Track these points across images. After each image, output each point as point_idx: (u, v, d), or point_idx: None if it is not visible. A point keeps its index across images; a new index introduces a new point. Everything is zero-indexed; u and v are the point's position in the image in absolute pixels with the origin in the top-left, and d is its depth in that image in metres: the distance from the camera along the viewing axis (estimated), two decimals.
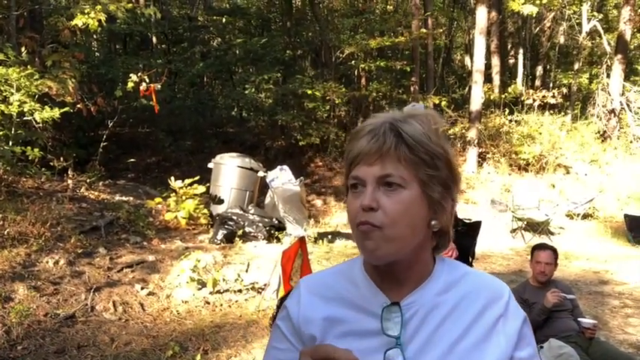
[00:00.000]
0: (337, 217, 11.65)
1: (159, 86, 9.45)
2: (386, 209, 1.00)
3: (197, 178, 8.10)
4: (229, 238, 7.11)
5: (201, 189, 8.05)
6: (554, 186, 13.14)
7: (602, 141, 15.30)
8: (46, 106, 7.62)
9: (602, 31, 17.83)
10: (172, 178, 8.08)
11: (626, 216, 10.34)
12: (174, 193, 7.93)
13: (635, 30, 19.21)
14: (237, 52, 15.50)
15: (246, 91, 14.35)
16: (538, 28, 20.12)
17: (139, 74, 9.14)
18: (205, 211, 8.08)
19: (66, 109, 7.82)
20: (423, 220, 1.03)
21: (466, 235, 4.81)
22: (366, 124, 1.06)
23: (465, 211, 10.73)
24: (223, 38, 16.92)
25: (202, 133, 14.60)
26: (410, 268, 1.07)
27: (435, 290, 1.07)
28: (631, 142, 15.58)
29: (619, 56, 15.67)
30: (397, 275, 1.07)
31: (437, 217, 1.05)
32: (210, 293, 5.21)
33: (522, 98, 16.23)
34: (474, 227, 5.00)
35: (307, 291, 1.15)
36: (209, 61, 15.61)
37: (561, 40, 21.17)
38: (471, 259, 5.04)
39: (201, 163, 10.62)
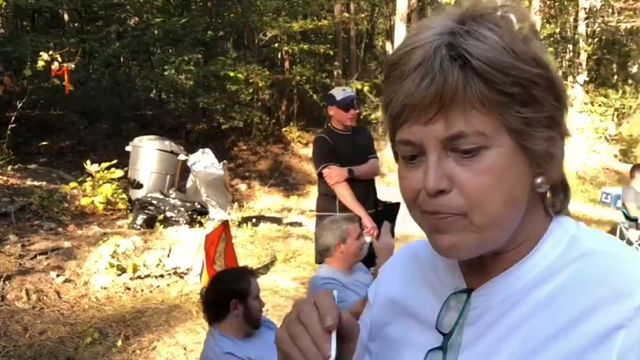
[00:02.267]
0: (262, 201, 11.64)
1: (72, 66, 8.99)
2: (465, 186, 0.65)
3: (114, 162, 7.82)
4: (149, 223, 6.94)
5: (119, 173, 7.79)
6: None
7: None
8: None
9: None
10: (88, 162, 7.77)
11: None
12: (90, 178, 7.63)
13: (545, 20, 20.27)
14: (156, 32, 15.00)
15: (166, 73, 13.93)
16: None
17: (51, 53, 8.67)
18: (124, 195, 7.84)
19: None
20: (524, 185, 0.68)
21: (386, 216, 4.92)
22: (411, 47, 0.65)
23: (386, 193, 11.00)
24: (141, 17, 16.31)
25: (119, 116, 14.08)
26: (506, 250, 0.71)
27: (530, 276, 0.70)
28: None
29: (529, 22, 16.54)
30: (485, 261, 0.72)
31: (544, 171, 0.69)
32: (131, 279, 5.08)
33: None
34: (394, 208, 5.12)
35: (394, 262, 0.92)
36: (126, 40, 15.02)
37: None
38: None
39: (118, 147, 10.26)
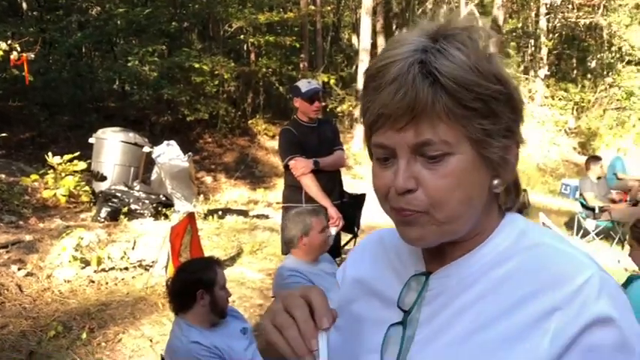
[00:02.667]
0: (228, 193, 11.59)
1: (32, 56, 8.77)
2: (429, 188, 0.74)
3: (77, 154, 7.68)
4: (114, 216, 6.86)
5: (82, 165, 7.66)
6: None
7: None
8: None
9: (478, 15, 18.94)
10: (50, 154, 7.61)
11: None
12: (52, 170, 7.49)
13: (508, 15, 20.62)
14: (119, 22, 14.70)
15: (129, 64, 13.67)
16: (420, 10, 20.95)
17: (9, 42, 8.44)
18: (87, 188, 7.72)
19: None
20: (481, 188, 0.77)
21: (352, 207, 4.99)
22: (388, 62, 0.74)
23: (351, 185, 11.09)
24: (103, 7, 15.95)
25: (81, 108, 13.78)
26: (463, 240, 0.81)
27: (482, 263, 0.80)
28: None
29: (493, 40, 16.78)
30: (444, 248, 0.81)
31: (500, 174, 0.78)
32: (95, 272, 5.02)
33: None
34: (360, 199, 5.19)
35: (362, 247, 1.02)
36: (88, 31, 14.69)
37: (442, 21, 22.21)
38: (356, 229, 5.24)
39: (80, 139, 10.05)
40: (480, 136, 0.73)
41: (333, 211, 4.05)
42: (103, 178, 7.99)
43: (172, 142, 8.08)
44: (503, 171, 0.78)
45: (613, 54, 24.06)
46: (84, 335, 3.80)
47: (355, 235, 5.31)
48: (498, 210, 0.84)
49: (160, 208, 7.33)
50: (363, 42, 14.38)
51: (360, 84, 14.27)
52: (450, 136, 0.72)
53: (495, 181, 0.78)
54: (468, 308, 0.77)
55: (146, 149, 8.21)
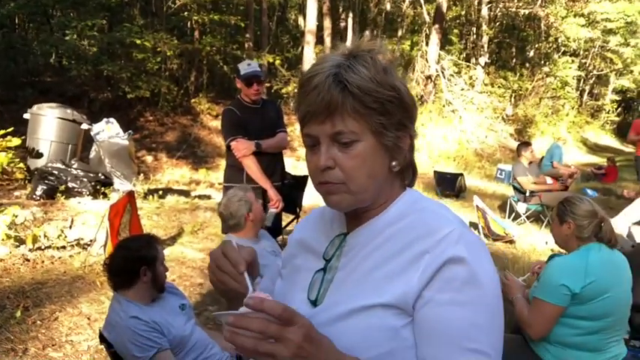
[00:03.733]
0: (168, 173, 11.46)
1: None
2: (343, 166, 1.01)
3: (10, 129, 7.41)
4: (50, 194, 6.69)
5: (16, 141, 7.40)
6: None
7: (420, 104, 16.69)
8: None
9: (422, 2, 19.22)
10: None
11: (435, 172, 11.51)
12: None
13: (451, 3, 21.02)
14: None
15: (67, 38, 13.19)
16: None
17: None
18: (22, 165, 7.47)
19: None
20: (382, 166, 1.05)
21: (294, 188, 5.05)
22: (312, 75, 1.02)
23: (296, 167, 11.16)
24: None
25: (15, 81, 13.19)
26: (370, 208, 1.08)
27: (383, 223, 1.08)
28: (444, 106, 17.22)
29: (436, 26, 17.09)
30: (358, 213, 1.09)
31: (395, 158, 1.06)
32: (30, 250, 4.90)
33: None
34: (302, 180, 5.27)
35: (308, 216, 1.30)
36: (21, 1, 14.05)
37: (388, 6, 22.44)
38: (298, 210, 5.33)
39: (14, 115, 9.66)
40: (378, 128, 1.02)
41: (272, 193, 4.11)
42: (39, 155, 7.75)
43: (112, 119, 7.90)
44: (398, 155, 1.07)
45: (550, 44, 24.98)
46: (18, 314, 3.73)
47: (297, 216, 5.40)
48: (400, 185, 1.13)
49: (98, 187, 7.18)
50: (309, 24, 14.40)
51: (305, 66, 14.30)
52: (356, 127, 1.00)
53: (393, 163, 1.07)
54: (369, 256, 1.06)
55: (84, 126, 8.00)
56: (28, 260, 4.78)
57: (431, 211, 1.07)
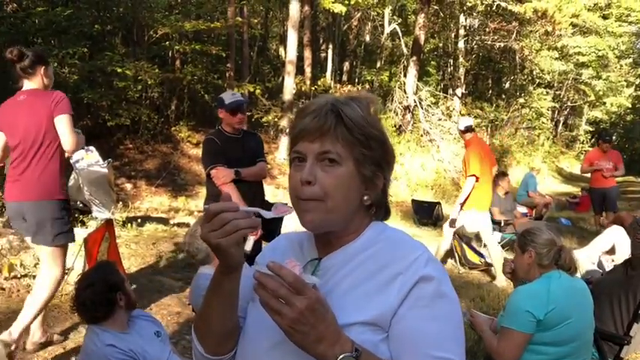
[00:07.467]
0: (148, 200, 11.43)
1: None
2: (322, 183, 1.13)
3: None
4: None
5: None
6: None
7: (398, 134, 16.93)
8: None
9: (400, 34, 19.65)
10: None
11: (413, 201, 11.67)
12: None
13: (429, 35, 21.50)
14: (37, 21, 14.17)
15: None
16: (347, 26, 21.47)
17: None
18: None
19: None
20: (356, 194, 1.17)
21: (273, 218, 5.10)
22: (311, 103, 1.19)
23: (275, 195, 11.21)
24: (20, 5, 15.33)
25: None
26: (342, 235, 1.21)
27: (354, 249, 1.20)
28: (421, 135, 17.47)
29: (414, 58, 17.43)
30: (331, 240, 1.21)
31: (368, 192, 1.19)
32: (6, 279, 4.88)
33: (331, 91, 17.24)
34: None
35: (271, 247, 1.41)
36: (3, 28, 14.05)
37: (367, 38, 22.87)
38: None
39: None
40: (360, 158, 1.16)
41: None
42: None
43: (91, 147, 7.87)
44: (371, 190, 1.20)
45: (525, 76, 25.59)
46: None
47: None
48: (370, 219, 1.26)
49: (77, 215, 7.16)
50: (289, 54, 14.60)
51: (286, 95, 14.46)
52: (342, 152, 1.14)
53: (365, 197, 1.20)
54: (346, 277, 1.17)
55: None
56: (4, 289, 4.75)
57: (398, 238, 1.23)
